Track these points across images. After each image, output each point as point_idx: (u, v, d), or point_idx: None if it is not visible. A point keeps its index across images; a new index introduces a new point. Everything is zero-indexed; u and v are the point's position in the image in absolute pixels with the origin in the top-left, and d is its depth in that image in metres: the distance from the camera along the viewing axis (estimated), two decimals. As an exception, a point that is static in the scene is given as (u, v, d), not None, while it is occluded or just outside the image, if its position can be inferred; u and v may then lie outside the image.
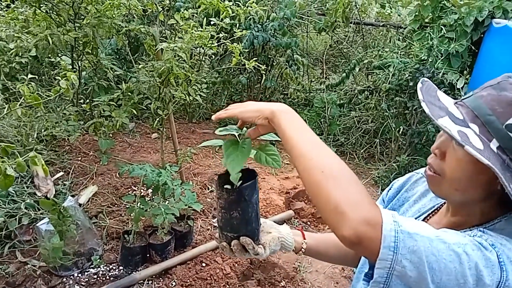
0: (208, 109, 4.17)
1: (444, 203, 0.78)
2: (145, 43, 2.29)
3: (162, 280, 2.06)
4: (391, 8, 4.77)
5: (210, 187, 2.91)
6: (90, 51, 2.14)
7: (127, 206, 2.43)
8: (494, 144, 0.59)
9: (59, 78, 1.52)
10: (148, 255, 2.17)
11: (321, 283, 2.22)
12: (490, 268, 0.57)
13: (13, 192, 2.31)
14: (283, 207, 2.80)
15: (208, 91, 3.20)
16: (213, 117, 0.77)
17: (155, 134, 3.63)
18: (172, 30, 2.44)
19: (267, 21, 3.59)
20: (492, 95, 0.61)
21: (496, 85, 0.61)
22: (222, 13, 2.11)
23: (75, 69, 2.12)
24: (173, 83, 2.12)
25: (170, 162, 2.46)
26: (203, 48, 2.18)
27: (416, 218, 0.80)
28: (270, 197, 2.83)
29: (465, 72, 3.29)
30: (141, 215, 2.05)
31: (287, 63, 3.84)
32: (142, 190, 2.54)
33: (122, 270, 2.10)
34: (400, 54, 3.66)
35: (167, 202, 2.12)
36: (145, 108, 2.22)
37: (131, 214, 2.08)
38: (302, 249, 0.90)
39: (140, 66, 2.16)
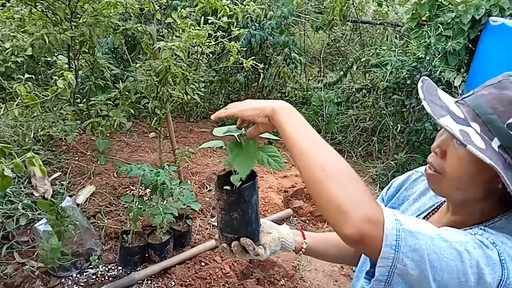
0: (206, 108, 4.16)
1: (444, 201, 0.78)
2: (142, 42, 2.28)
3: (161, 280, 2.06)
4: (388, 6, 4.77)
5: (208, 186, 2.90)
6: (86, 50, 2.13)
7: (125, 206, 2.42)
8: (495, 143, 0.59)
9: (56, 77, 1.51)
10: (147, 255, 2.16)
11: (320, 281, 2.23)
12: (491, 266, 0.57)
13: (10, 192, 2.29)
14: (282, 205, 2.80)
15: (205, 90, 3.19)
16: (212, 117, 0.76)
17: (152, 133, 3.61)
18: (169, 29, 2.43)
19: (265, 19, 3.59)
20: (493, 94, 0.61)
21: (497, 83, 0.61)
22: (220, 12, 2.10)
23: (71, 69, 2.11)
24: (170, 82, 2.11)
25: (168, 162, 2.46)
26: (200, 47, 2.17)
27: (416, 217, 0.80)
28: (269, 196, 2.84)
29: (462, 70, 3.31)
30: (139, 215, 2.04)
31: (284, 62, 3.84)
32: (140, 190, 2.53)
33: (121, 270, 2.10)
34: (397, 52, 3.67)
35: (165, 201, 2.11)
36: (143, 107, 2.21)
37: (130, 214, 2.08)
38: (302, 249, 0.90)
39: (137, 65, 2.15)
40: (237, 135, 0.76)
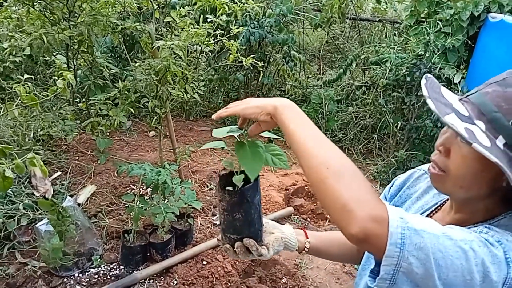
0: (205, 106, 4.15)
1: (447, 200, 0.78)
2: (141, 41, 2.27)
3: (163, 279, 2.06)
4: (386, 3, 4.77)
5: (209, 184, 2.90)
6: (85, 50, 2.12)
7: (126, 205, 2.42)
8: (500, 141, 0.59)
9: (55, 77, 1.50)
10: (148, 254, 2.17)
11: (322, 279, 2.23)
12: (496, 264, 0.57)
13: (11, 192, 2.29)
14: (283, 204, 2.80)
15: (205, 88, 3.18)
16: (213, 116, 0.76)
17: (152, 132, 3.61)
18: (168, 28, 2.42)
19: (263, 17, 3.57)
20: (498, 92, 0.60)
21: (501, 81, 0.61)
22: (219, 10, 2.09)
23: (70, 68, 2.10)
24: (170, 81, 2.11)
25: (168, 160, 2.45)
26: (199, 46, 2.16)
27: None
28: (270, 194, 2.84)
29: (461, 66, 3.30)
30: (140, 214, 2.04)
31: (283, 60, 3.83)
32: (141, 189, 2.53)
33: (123, 270, 2.10)
34: (396, 50, 3.66)
35: (166, 200, 2.11)
36: (142, 106, 2.20)
37: (131, 213, 2.08)
38: (306, 249, 0.90)
39: (136, 64, 2.14)
40: (239, 135, 0.75)
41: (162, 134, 2.54)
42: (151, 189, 2.15)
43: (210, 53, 3.38)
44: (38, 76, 3.31)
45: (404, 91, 3.30)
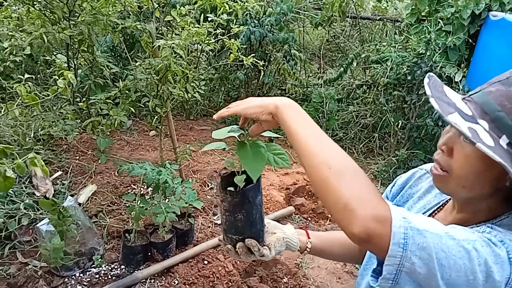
0: (206, 105, 4.15)
1: (449, 199, 0.77)
2: (141, 40, 2.27)
3: (164, 279, 2.06)
4: (387, 2, 4.76)
5: (209, 184, 2.90)
6: (85, 49, 2.12)
7: (127, 205, 2.42)
8: (503, 141, 0.59)
9: (56, 76, 1.50)
10: (149, 254, 2.17)
11: (323, 278, 2.23)
12: (499, 264, 0.57)
13: (11, 192, 2.29)
14: (283, 203, 2.80)
15: (205, 87, 3.17)
16: (214, 116, 0.75)
17: (152, 131, 3.61)
18: (168, 27, 2.41)
19: (264, 16, 3.57)
20: (501, 91, 0.60)
21: (504, 80, 0.61)
22: (219, 9, 2.09)
23: (71, 68, 2.10)
24: (170, 80, 2.10)
25: (169, 160, 2.45)
26: (200, 45, 2.16)
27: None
28: (270, 193, 2.84)
29: (462, 65, 3.30)
30: (141, 214, 2.04)
31: (284, 59, 3.83)
32: (142, 189, 2.53)
33: (124, 269, 2.10)
34: (397, 48, 3.65)
35: (167, 200, 2.11)
36: (143, 105, 2.20)
37: (132, 213, 2.08)
38: (307, 249, 0.89)
39: (137, 64, 2.14)
40: (239, 135, 0.75)
41: (162, 133, 2.54)
42: (152, 189, 2.15)
43: (210, 52, 3.38)
44: (38, 76, 3.31)
45: (405, 90, 3.30)
